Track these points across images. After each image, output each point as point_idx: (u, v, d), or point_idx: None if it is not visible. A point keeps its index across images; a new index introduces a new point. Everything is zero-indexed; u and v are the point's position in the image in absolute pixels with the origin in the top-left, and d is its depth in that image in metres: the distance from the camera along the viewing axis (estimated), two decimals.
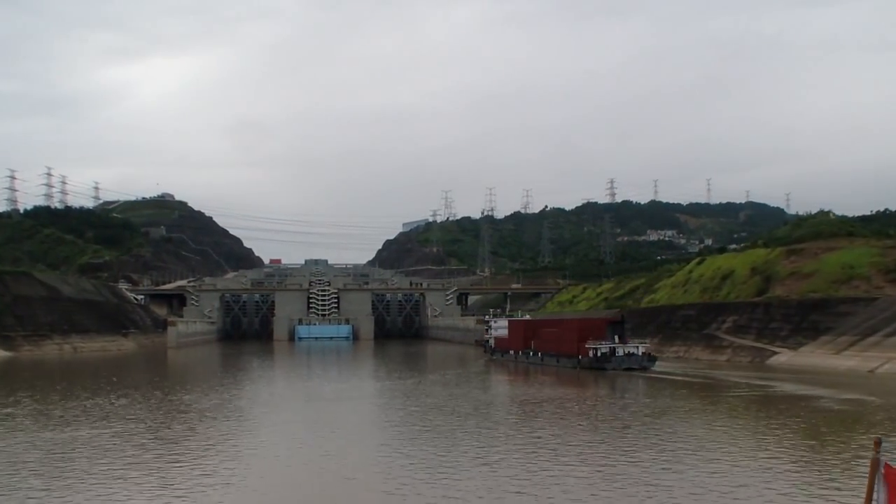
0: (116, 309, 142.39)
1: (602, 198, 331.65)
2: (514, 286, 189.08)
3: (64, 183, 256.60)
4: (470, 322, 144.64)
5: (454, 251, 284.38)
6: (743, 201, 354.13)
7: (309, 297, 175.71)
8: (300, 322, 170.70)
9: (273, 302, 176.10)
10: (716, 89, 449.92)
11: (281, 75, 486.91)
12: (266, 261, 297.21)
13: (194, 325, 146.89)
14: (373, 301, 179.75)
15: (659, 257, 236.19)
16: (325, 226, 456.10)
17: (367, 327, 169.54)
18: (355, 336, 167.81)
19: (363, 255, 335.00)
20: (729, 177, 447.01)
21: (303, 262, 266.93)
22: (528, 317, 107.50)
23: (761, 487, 25.39)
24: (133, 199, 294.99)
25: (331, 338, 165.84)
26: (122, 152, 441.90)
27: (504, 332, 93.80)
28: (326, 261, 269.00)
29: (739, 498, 24.10)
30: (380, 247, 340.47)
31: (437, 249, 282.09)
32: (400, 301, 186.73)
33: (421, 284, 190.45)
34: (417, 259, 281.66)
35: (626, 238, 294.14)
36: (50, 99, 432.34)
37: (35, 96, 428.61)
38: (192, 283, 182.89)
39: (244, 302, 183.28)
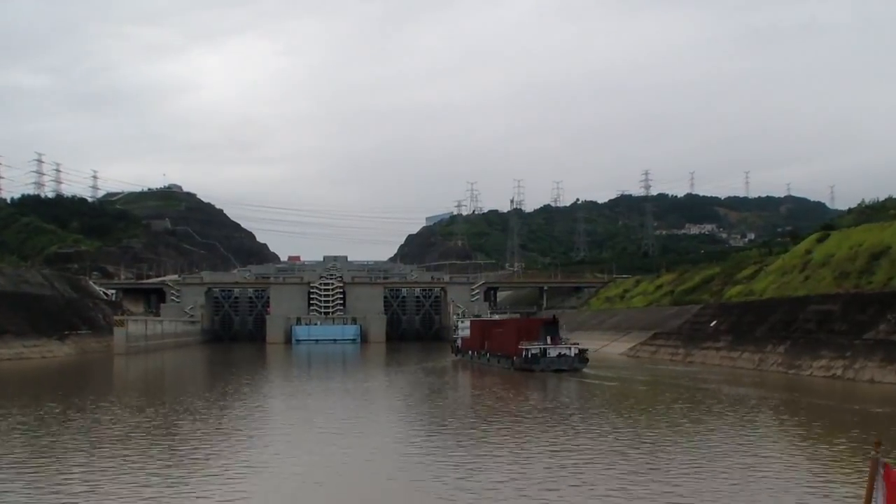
0: (66, 306, 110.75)
1: (635, 191, 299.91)
2: (552, 280, 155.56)
3: (58, 171, 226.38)
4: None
5: (480, 245, 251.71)
6: (782, 195, 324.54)
7: (310, 293, 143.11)
8: (298, 321, 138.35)
9: (270, 298, 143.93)
10: (752, 82, 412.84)
11: (318, 71, 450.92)
12: (285, 258, 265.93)
13: (158, 325, 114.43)
14: (386, 297, 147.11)
15: (703, 251, 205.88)
16: (350, 217, 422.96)
17: (378, 328, 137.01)
18: (364, 338, 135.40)
19: (388, 251, 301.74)
20: (767, 171, 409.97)
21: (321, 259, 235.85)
22: (496, 317, 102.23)
23: None
24: (139, 190, 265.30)
25: (335, 340, 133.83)
26: (151, 148, 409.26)
27: (468, 333, 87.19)
28: (346, 257, 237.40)
29: None
30: (402, 243, 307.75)
31: (462, 243, 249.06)
32: (418, 297, 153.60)
33: (442, 278, 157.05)
34: (441, 253, 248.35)
35: (663, 231, 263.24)
36: (85, 94, 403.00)
37: (67, 91, 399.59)
38: (177, 277, 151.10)
39: (236, 298, 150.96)
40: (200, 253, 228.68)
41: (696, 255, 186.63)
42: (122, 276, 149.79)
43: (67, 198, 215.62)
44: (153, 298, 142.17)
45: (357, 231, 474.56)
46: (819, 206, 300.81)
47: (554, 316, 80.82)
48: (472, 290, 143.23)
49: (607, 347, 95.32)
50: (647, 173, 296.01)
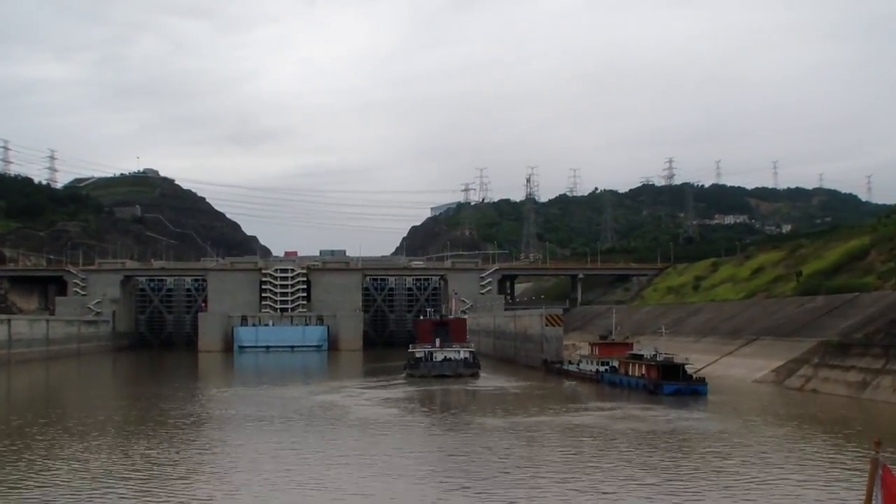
0: None
1: (656, 181, 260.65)
2: (588, 267, 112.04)
3: (6, 149, 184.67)
4: (529, 321, 66.73)
5: (491, 235, 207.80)
6: (811, 187, 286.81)
7: (262, 283, 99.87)
8: (244, 321, 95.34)
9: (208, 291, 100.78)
10: (776, 76, 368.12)
11: (354, 62, 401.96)
12: (281, 252, 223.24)
13: (2, 328, 70.73)
14: (367, 289, 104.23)
15: (745, 241, 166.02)
16: (357, 207, 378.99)
17: (353, 329, 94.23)
18: (332, 344, 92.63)
19: (394, 246, 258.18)
20: (795, 166, 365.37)
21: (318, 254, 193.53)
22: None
23: None
24: (110, 175, 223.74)
25: (292, 347, 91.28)
26: (162, 140, 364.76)
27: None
28: (344, 251, 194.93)
29: None
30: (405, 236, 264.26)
31: (470, 231, 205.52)
32: (410, 290, 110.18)
33: (443, 264, 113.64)
34: (445, 245, 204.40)
35: (694, 221, 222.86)
36: (113, 85, 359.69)
37: (93, 83, 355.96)
38: (94, 266, 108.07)
39: (169, 291, 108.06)
40: (170, 242, 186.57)
41: (730, 246, 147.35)
42: (21, 263, 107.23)
43: (9, 177, 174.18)
44: (52, 289, 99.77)
45: (363, 221, 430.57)
46: (852, 198, 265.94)
47: (441, 316, 69.39)
48: (482, 278, 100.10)
49: (718, 366, 52.02)
50: (671, 161, 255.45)
